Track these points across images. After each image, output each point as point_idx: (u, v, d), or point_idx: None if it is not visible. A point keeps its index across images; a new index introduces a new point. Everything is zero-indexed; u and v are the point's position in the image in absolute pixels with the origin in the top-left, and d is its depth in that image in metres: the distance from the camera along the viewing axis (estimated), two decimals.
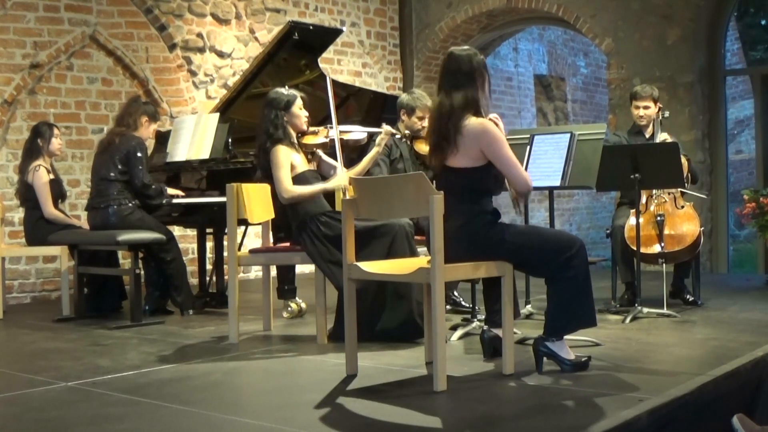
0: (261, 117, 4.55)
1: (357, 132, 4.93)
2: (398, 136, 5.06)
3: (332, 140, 4.69)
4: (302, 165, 4.49)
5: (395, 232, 4.31)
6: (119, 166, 5.39)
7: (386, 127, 4.91)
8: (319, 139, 4.65)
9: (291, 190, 4.38)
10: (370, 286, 4.27)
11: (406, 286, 4.30)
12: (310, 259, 4.40)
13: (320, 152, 4.71)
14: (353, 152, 5.09)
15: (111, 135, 5.55)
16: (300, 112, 4.56)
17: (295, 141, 4.54)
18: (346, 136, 4.80)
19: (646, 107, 5.53)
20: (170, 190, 5.58)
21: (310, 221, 4.39)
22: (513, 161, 3.54)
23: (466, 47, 3.70)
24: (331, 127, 4.73)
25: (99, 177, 5.45)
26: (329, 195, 4.75)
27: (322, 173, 4.63)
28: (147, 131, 5.64)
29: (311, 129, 4.66)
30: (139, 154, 5.39)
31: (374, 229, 4.30)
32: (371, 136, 4.99)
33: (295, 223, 4.45)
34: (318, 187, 4.47)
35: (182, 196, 5.59)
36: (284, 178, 4.38)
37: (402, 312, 4.32)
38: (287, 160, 4.41)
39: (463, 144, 3.48)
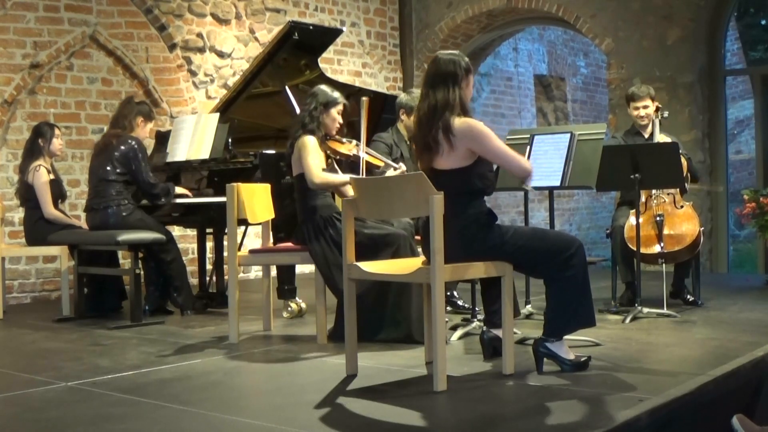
0: (302, 107, 4.62)
1: (378, 159, 4.90)
2: None
3: (355, 156, 4.66)
4: (321, 163, 4.50)
5: (399, 242, 4.31)
6: (117, 168, 5.38)
7: (403, 168, 4.87)
8: (343, 149, 4.62)
9: (321, 175, 4.39)
10: (369, 297, 4.28)
11: (407, 301, 4.30)
12: (313, 258, 4.40)
13: (335, 163, 4.69)
14: (352, 169, 5.04)
15: (107, 137, 5.54)
16: (336, 116, 4.59)
17: (322, 141, 4.55)
18: (367, 158, 4.76)
19: (645, 107, 5.53)
20: (179, 189, 5.55)
21: (320, 220, 4.39)
22: (504, 151, 3.53)
23: (453, 51, 3.71)
24: (358, 144, 4.70)
25: (97, 178, 5.44)
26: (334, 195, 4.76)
27: None
28: (143, 131, 5.63)
29: (342, 138, 4.66)
30: (138, 155, 5.38)
31: (379, 238, 4.31)
32: (389, 167, 4.95)
33: (305, 220, 4.45)
34: (348, 177, 4.48)
35: (190, 196, 5.57)
36: (314, 164, 4.38)
37: (401, 330, 4.32)
38: (316, 149, 4.44)
39: (454, 144, 3.47)
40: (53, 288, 6.75)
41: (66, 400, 3.31)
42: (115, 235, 5.14)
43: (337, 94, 4.63)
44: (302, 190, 4.47)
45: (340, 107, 4.60)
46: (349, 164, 4.77)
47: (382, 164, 4.86)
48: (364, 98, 4.84)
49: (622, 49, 8.23)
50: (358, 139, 4.73)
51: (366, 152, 4.72)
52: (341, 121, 4.63)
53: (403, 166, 4.89)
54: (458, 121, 3.48)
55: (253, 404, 3.29)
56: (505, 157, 3.54)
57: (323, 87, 4.68)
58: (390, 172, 4.80)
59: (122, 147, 5.38)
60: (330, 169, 4.64)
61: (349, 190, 4.48)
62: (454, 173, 3.49)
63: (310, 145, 4.41)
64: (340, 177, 4.45)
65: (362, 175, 4.61)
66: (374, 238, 4.31)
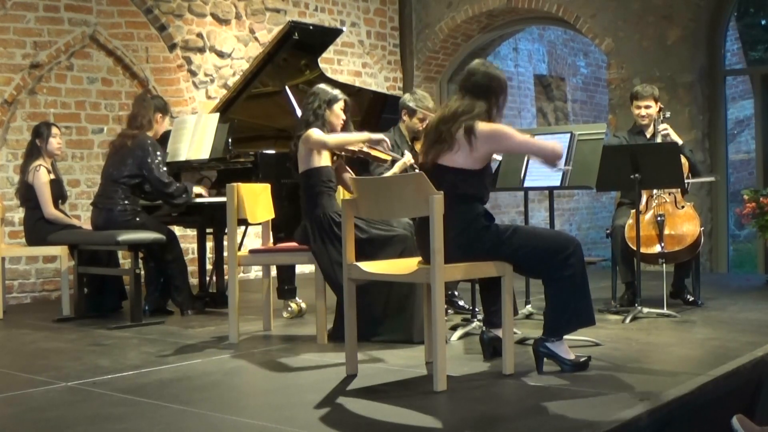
0: (303, 106, 4.63)
1: (384, 153, 4.90)
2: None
3: (361, 152, 4.65)
4: (326, 159, 4.51)
5: (406, 244, 4.32)
6: (131, 170, 5.36)
7: (408, 156, 4.90)
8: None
9: (333, 137, 4.44)
10: (376, 300, 4.29)
11: (410, 307, 4.30)
12: (315, 257, 4.40)
13: (342, 161, 4.69)
14: (357, 163, 5.05)
15: (123, 137, 5.48)
16: (340, 112, 4.61)
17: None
18: (373, 152, 4.75)
19: (647, 106, 5.53)
20: (196, 188, 5.51)
21: (324, 219, 4.39)
22: (531, 143, 3.61)
23: (496, 66, 3.75)
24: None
25: (108, 177, 5.42)
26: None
27: (338, 179, 4.63)
28: (162, 127, 5.63)
29: None
30: (152, 156, 5.34)
31: (389, 238, 4.32)
32: (393, 160, 4.95)
33: (309, 218, 4.45)
34: (363, 135, 4.52)
35: (206, 196, 5.55)
36: (322, 135, 4.41)
37: (401, 331, 4.32)
38: (321, 133, 4.45)
39: (474, 145, 3.46)
40: (53, 288, 6.75)
41: (66, 400, 3.31)
42: (115, 235, 5.14)
43: (337, 91, 4.66)
44: (307, 187, 4.47)
45: (342, 103, 4.62)
46: (359, 163, 4.78)
47: (389, 158, 4.87)
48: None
49: (622, 49, 8.23)
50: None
51: (371, 147, 4.72)
52: (344, 117, 4.65)
53: (409, 154, 4.91)
54: (482, 125, 3.49)
55: (253, 404, 3.29)
56: (532, 147, 3.61)
57: (322, 85, 4.71)
58: (398, 163, 4.81)
59: (136, 148, 5.36)
60: (338, 167, 4.64)
61: (374, 139, 4.54)
62: (456, 172, 3.49)
63: (314, 131, 4.44)
64: (357, 135, 4.50)
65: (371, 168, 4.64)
66: (383, 237, 4.31)
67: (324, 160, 4.48)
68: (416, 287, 4.22)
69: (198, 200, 5.48)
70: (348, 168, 4.73)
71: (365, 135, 4.58)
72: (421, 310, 4.18)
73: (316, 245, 4.39)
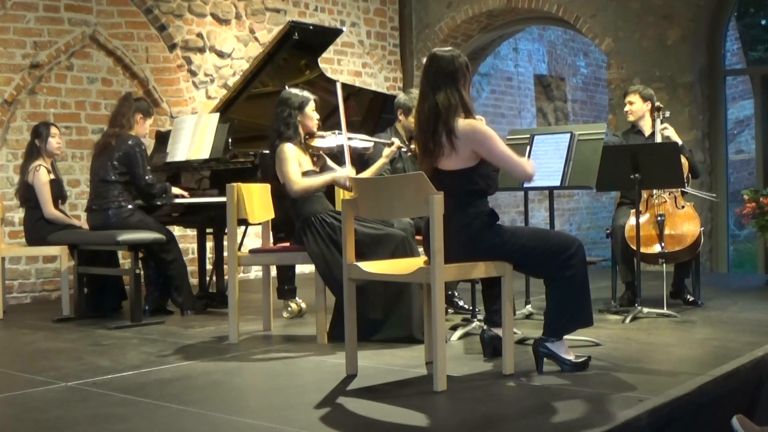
0: (274, 115, 4.57)
1: (364, 141, 4.89)
2: (405, 151, 5.03)
3: (339, 146, 4.66)
4: (307, 165, 4.51)
5: (397, 242, 4.31)
6: (118, 168, 5.37)
7: (396, 141, 4.90)
8: (327, 142, 4.64)
9: (300, 181, 4.40)
10: (374, 299, 4.28)
11: (407, 303, 4.30)
12: (312, 259, 4.41)
13: (325, 156, 4.70)
14: (355, 159, 5.06)
15: (106, 137, 5.51)
16: (312, 113, 4.59)
17: (303, 142, 4.55)
18: (352, 143, 4.75)
19: (630, 102, 5.59)
20: (175, 190, 5.55)
21: (314, 220, 4.39)
22: (507, 155, 3.51)
23: (448, 48, 3.68)
24: (339, 133, 4.71)
25: (98, 179, 5.43)
26: (331, 195, 4.76)
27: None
28: (143, 128, 5.61)
29: (319, 133, 4.66)
30: (137, 154, 5.37)
31: (377, 237, 4.31)
32: (377, 145, 4.95)
33: (299, 221, 4.45)
34: (326, 177, 4.50)
35: (187, 197, 5.57)
36: (292, 172, 4.39)
37: (401, 330, 4.32)
38: (294, 156, 4.43)
39: (457, 146, 3.46)
40: (53, 288, 6.75)
41: (66, 400, 3.31)
42: (115, 235, 5.14)
43: (306, 93, 4.63)
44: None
45: (312, 104, 4.60)
46: (357, 159, 4.78)
47: (371, 145, 4.86)
48: (339, 83, 4.86)
49: (622, 49, 8.23)
50: (336, 127, 4.76)
51: (349, 137, 4.71)
52: (318, 116, 4.64)
53: (396, 140, 4.90)
54: (462, 123, 3.47)
55: (253, 404, 3.29)
56: (508, 161, 3.52)
57: (291, 90, 4.67)
58: (386, 151, 4.80)
59: (122, 147, 5.37)
60: (322, 168, 4.63)
61: (340, 180, 4.48)
62: (458, 173, 3.48)
63: (287, 153, 4.42)
64: (320, 178, 4.48)
65: (348, 160, 4.60)
66: (371, 237, 4.31)
67: (305, 167, 4.48)
68: (416, 285, 4.22)
69: (178, 200, 5.51)
70: (334, 165, 4.72)
71: (329, 176, 4.52)
72: (418, 305, 4.18)
73: (310, 247, 4.39)
